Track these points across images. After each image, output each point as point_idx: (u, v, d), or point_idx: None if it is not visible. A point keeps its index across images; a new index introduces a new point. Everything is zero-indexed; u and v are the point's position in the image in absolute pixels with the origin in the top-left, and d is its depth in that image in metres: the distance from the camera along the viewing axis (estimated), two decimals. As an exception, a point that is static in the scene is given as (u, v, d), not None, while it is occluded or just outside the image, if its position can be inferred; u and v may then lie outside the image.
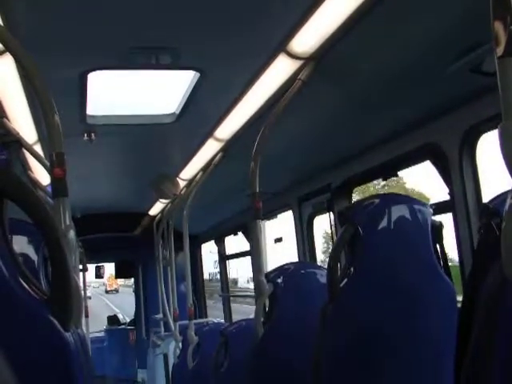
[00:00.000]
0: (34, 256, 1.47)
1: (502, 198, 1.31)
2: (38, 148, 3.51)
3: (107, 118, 3.70)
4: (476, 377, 1.24)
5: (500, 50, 1.12)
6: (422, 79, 2.71)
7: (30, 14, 2.18)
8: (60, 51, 2.54)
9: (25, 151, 3.31)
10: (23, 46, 1.85)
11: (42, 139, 3.48)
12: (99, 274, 10.80)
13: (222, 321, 6.52)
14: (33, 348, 1.03)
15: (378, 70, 2.70)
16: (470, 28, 2.15)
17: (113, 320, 10.27)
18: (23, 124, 3.22)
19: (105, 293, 49.60)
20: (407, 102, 2.99)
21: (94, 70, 2.79)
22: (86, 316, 7.15)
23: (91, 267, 10.04)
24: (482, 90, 2.58)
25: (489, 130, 2.81)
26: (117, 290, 50.51)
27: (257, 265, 2.75)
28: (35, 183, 3.75)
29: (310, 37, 2.45)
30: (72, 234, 1.77)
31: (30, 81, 1.88)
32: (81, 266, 6.92)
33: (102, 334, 9.78)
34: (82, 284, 7.68)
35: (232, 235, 7.16)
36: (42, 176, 3.82)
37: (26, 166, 3.80)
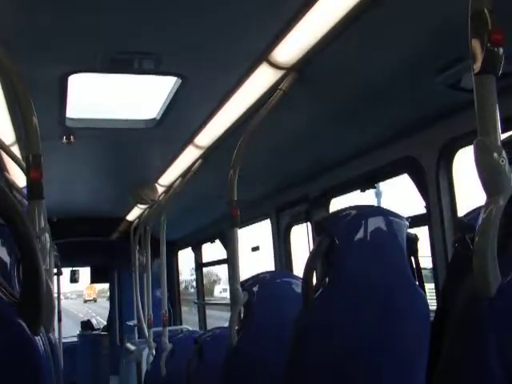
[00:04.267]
0: (6, 258, 1.45)
1: (476, 212, 1.33)
2: (15, 149, 3.47)
3: (87, 121, 3.67)
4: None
5: (477, 67, 1.14)
6: (402, 93, 2.74)
7: (11, 14, 2.16)
8: (40, 52, 2.52)
9: (1, 152, 3.27)
10: (3, 46, 1.84)
11: (19, 140, 3.45)
12: (74, 279, 10.69)
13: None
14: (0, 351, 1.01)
15: (358, 83, 2.72)
16: (450, 45, 2.18)
17: (86, 325, 10.15)
18: (1, 124, 3.18)
19: (84, 303, 49.50)
20: (386, 115, 3.02)
21: (75, 72, 2.77)
22: (59, 320, 7.06)
23: (66, 271, 9.94)
24: (460, 106, 2.62)
25: (466, 145, 2.86)
26: (95, 300, 50.29)
27: (233, 273, 2.75)
28: (11, 184, 3.71)
29: (292, 47, 2.46)
30: (47, 237, 1.76)
31: (8, 81, 1.87)
32: (55, 270, 6.84)
33: (75, 339, 9.66)
34: (56, 288, 7.60)
35: (209, 243, 7.15)
36: (19, 178, 3.78)
37: (2, 167, 3.76)
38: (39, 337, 1.05)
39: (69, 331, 10.26)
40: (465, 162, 2.96)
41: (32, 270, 1.03)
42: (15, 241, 1.04)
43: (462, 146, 2.91)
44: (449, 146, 2.92)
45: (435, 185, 2.98)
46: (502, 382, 1.13)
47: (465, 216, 1.58)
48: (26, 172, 1.77)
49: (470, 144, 1.18)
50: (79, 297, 54.00)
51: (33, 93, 1.83)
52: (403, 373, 2.02)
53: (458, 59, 2.27)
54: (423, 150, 3.05)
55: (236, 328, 2.61)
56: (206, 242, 7.38)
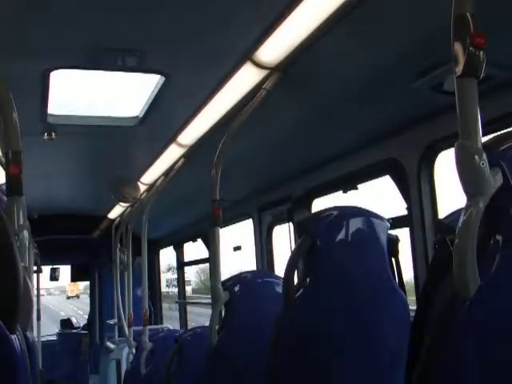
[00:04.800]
0: None
1: (457, 214, 1.33)
2: (-5, 145, 3.43)
3: (69, 117, 3.64)
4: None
5: (459, 70, 1.14)
6: (385, 95, 2.75)
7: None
8: (22, 47, 2.49)
9: (-19, 148, 3.23)
10: None
11: (-1, 136, 3.40)
12: (54, 277, 10.60)
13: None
14: None
15: (342, 83, 2.73)
16: (433, 47, 2.19)
17: (66, 324, 10.07)
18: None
19: (66, 299, 49.10)
20: (369, 116, 3.03)
21: (57, 68, 2.75)
22: (38, 319, 7.00)
23: (46, 269, 9.86)
24: (442, 109, 2.63)
25: (448, 147, 2.87)
26: (78, 296, 49.94)
27: (214, 272, 2.74)
28: (-10, 181, 3.66)
29: (275, 47, 2.46)
30: (26, 234, 1.74)
31: None
32: (35, 268, 6.78)
33: (54, 337, 9.58)
34: (35, 286, 7.53)
35: (191, 242, 7.12)
36: (-1, 174, 3.74)
37: (-19, 163, 3.71)
38: (15, 335, 1.04)
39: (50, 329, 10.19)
40: (446, 165, 2.98)
41: (9, 268, 1.02)
42: None
43: (443, 149, 2.92)
44: (431, 149, 2.94)
45: (417, 187, 2.99)
46: None
47: (445, 218, 1.58)
48: (6, 168, 1.75)
49: (452, 146, 1.18)
50: (62, 293, 53.69)
51: (14, 88, 1.81)
52: (384, 373, 2.03)
53: (440, 62, 2.28)
54: (405, 152, 3.06)
55: (217, 327, 2.60)
56: (188, 241, 7.35)
